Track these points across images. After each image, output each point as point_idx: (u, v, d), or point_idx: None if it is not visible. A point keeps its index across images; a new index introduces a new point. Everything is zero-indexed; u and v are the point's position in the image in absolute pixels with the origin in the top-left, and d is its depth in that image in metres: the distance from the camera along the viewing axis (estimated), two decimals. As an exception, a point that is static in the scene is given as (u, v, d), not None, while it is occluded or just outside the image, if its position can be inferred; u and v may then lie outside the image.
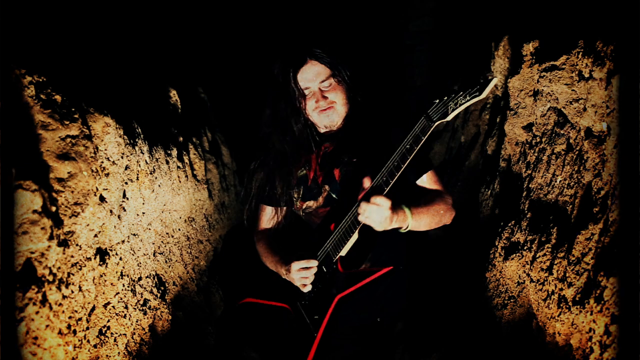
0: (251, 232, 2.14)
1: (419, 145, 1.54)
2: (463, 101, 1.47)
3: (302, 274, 1.77)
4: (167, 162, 2.16)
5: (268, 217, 2.10)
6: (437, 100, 1.53)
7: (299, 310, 1.81)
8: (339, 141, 1.94)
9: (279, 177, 1.98)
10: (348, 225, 1.70)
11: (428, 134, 1.53)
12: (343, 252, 1.72)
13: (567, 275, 1.34)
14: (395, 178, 1.58)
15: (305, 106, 1.91)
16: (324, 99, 1.88)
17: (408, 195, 1.83)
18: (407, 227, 1.69)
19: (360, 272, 1.78)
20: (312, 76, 1.87)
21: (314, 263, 1.77)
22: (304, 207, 1.97)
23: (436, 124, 1.52)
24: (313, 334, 1.70)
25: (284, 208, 2.08)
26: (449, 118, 1.50)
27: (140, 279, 1.77)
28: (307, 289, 1.79)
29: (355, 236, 1.69)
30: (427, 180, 1.87)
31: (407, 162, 1.56)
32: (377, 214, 1.56)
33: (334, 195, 1.90)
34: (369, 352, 1.80)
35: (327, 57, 1.88)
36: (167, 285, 2.01)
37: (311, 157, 1.98)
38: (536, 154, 1.81)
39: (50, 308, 1.14)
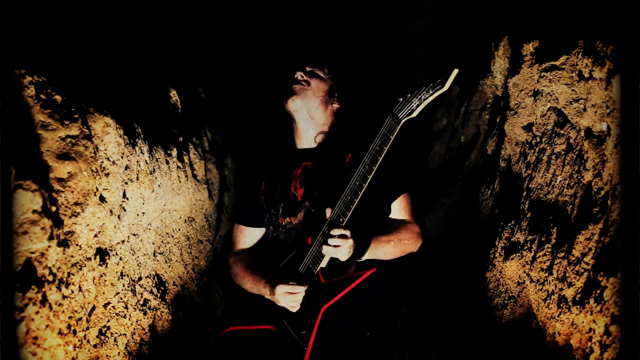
0: (227, 254, 2.14)
1: (388, 145, 1.55)
2: (427, 96, 1.48)
3: (290, 298, 1.75)
4: (167, 162, 2.16)
5: (245, 237, 2.08)
6: (401, 99, 1.54)
7: (285, 329, 1.79)
8: (317, 158, 1.95)
9: (263, 196, 1.99)
10: (320, 245, 1.72)
11: (396, 132, 1.54)
12: (323, 264, 1.73)
13: (567, 275, 1.34)
14: (359, 197, 1.62)
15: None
16: (302, 71, 1.95)
17: (375, 217, 1.86)
18: (363, 259, 1.76)
19: (343, 280, 1.79)
20: (304, 64, 1.97)
21: (300, 289, 1.75)
22: (284, 223, 1.97)
23: (403, 121, 1.53)
24: (303, 348, 1.70)
25: (262, 227, 2.08)
26: (415, 114, 1.51)
27: (140, 279, 1.77)
28: (296, 309, 1.78)
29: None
30: (398, 204, 1.88)
31: (378, 163, 1.57)
32: (340, 248, 1.64)
33: (313, 211, 1.90)
34: None
35: (317, 70, 1.97)
36: (167, 285, 2.01)
37: (291, 174, 1.99)
38: (536, 154, 1.81)
39: (50, 308, 1.14)
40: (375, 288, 1.87)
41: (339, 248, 1.63)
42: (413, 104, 1.51)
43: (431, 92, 1.47)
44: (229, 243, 2.15)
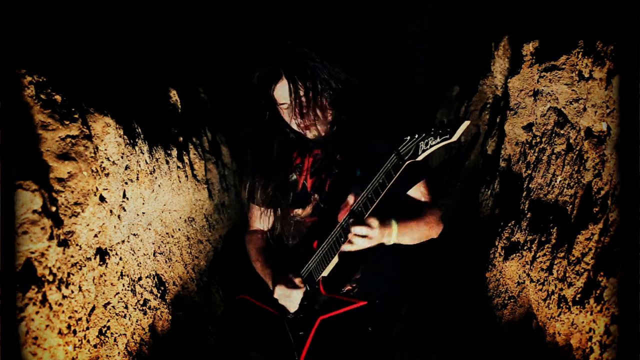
0: (243, 230, 2.15)
1: (391, 182, 1.55)
2: (433, 142, 1.47)
3: (286, 300, 1.76)
4: (167, 162, 2.16)
5: (258, 217, 2.09)
6: (408, 138, 1.53)
7: (283, 324, 1.81)
8: (328, 149, 1.91)
9: (273, 182, 1.98)
10: (329, 248, 1.70)
11: (400, 171, 1.54)
12: (325, 273, 1.73)
13: (567, 275, 1.34)
14: (371, 210, 1.59)
15: (285, 119, 1.89)
16: (300, 116, 1.82)
17: (398, 203, 1.83)
18: (391, 242, 1.70)
19: (338, 300, 1.79)
20: (286, 93, 1.82)
21: (296, 293, 1.74)
22: (292, 214, 1.96)
23: (407, 163, 1.52)
24: (295, 356, 1.71)
25: (273, 211, 2.06)
26: (419, 159, 1.50)
27: (140, 279, 1.77)
28: (293, 309, 1.78)
29: (335, 259, 1.70)
30: (417, 190, 1.86)
31: (381, 196, 1.57)
32: (369, 239, 1.58)
33: (322, 205, 1.89)
34: None
35: (303, 74, 1.80)
36: (167, 285, 2.01)
37: (303, 161, 1.97)
38: (536, 154, 1.81)
39: (50, 308, 1.14)
40: (378, 307, 1.87)
41: (367, 240, 1.58)
42: (419, 147, 1.50)
43: (438, 139, 1.46)
44: (245, 221, 2.16)
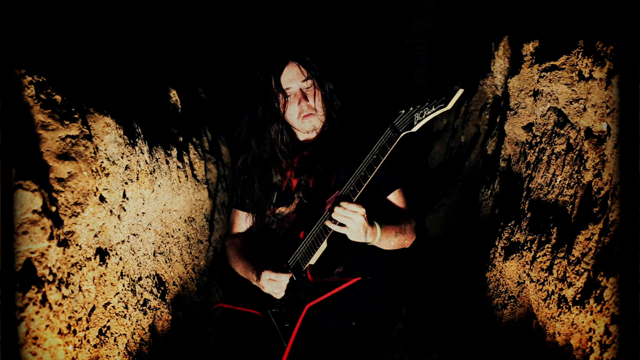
0: (224, 237, 2.16)
1: (385, 156, 1.55)
2: (428, 112, 1.47)
3: (273, 284, 1.76)
4: (167, 162, 2.15)
5: (241, 222, 2.10)
6: (403, 111, 1.54)
7: (269, 318, 1.80)
8: (315, 150, 1.96)
9: (258, 183, 1.99)
10: (317, 234, 1.69)
11: (394, 144, 1.53)
12: (312, 261, 1.72)
13: (567, 275, 1.34)
14: (363, 188, 1.59)
15: (286, 111, 1.92)
16: (305, 100, 1.90)
17: (377, 211, 1.84)
18: (373, 242, 1.71)
19: (329, 282, 1.79)
20: (293, 76, 1.90)
21: (284, 277, 1.74)
22: (276, 212, 1.97)
23: (402, 135, 1.52)
24: (283, 344, 1.70)
25: (256, 213, 2.07)
26: (415, 129, 1.51)
27: (140, 279, 1.77)
28: (280, 296, 1.78)
29: (324, 245, 1.69)
30: (394, 198, 1.87)
31: (374, 172, 1.56)
32: (352, 220, 1.56)
33: (306, 202, 1.90)
34: (348, 358, 1.78)
35: (308, 60, 1.93)
36: (167, 285, 2.01)
37: (288, 164, 2.00)
38: (536, 154, 1.81)
39: (50, 308, 1.14)
40: (364, 290, 1.87)
41: (350, 221, 1.55)
42: (414, 118, 1.50)
43: (433, 109, 1.47)
44: (227, 226, 2.18)
